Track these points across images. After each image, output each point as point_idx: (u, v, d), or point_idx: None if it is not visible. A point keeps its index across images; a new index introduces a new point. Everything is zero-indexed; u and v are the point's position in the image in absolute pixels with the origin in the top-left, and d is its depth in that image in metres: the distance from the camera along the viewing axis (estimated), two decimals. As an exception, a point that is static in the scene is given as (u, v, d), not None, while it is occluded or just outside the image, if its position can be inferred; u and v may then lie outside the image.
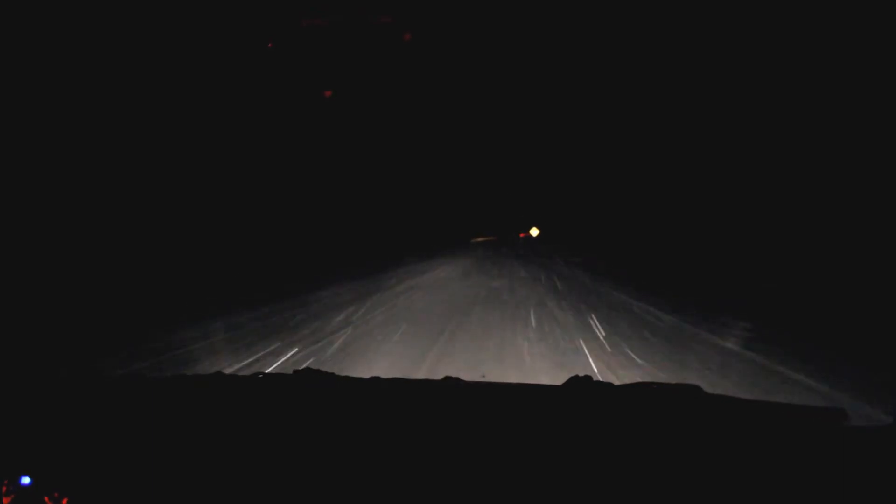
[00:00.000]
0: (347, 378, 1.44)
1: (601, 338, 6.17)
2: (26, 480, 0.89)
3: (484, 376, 4.37)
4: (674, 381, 1.31)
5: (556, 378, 1.60)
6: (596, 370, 4.80)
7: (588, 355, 5.37)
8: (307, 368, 1.52)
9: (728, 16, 12.21)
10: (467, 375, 1.50)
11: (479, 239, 35.14)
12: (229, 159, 17.07)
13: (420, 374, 4.58)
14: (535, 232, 34.36)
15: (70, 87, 11.88)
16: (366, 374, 1.47)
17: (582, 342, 5.93)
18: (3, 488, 0.87)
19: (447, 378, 1.42)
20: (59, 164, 11.71)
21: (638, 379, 1.83)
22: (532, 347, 5.75)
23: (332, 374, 1.47)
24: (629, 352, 5.44)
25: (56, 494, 0.86)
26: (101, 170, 12.65)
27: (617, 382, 1.38)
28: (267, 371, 4.73)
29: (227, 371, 2.00)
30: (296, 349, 5.67)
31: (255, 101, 17.48)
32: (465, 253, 23.28)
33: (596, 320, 7.20)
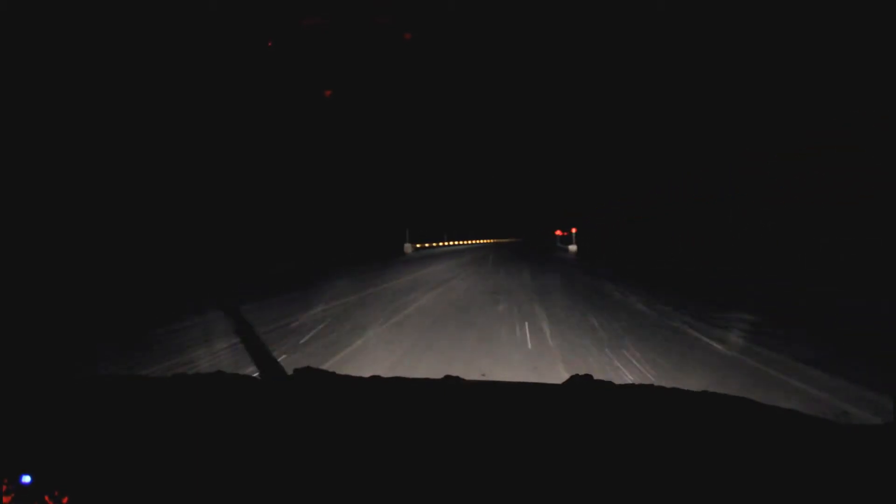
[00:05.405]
0: (347, 377, 1.44)
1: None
2: (27, 479, 0.89)
3: (484, 375, 4.37)
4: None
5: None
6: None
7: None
8: (307, 367, 1.52)
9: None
10: (467, 375, 1.50)
11: (418, 246, 21.45)
12: (229, 159, 17.07)
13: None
14: None
15: (70, 87, 11.88)
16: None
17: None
18: (4, 487, 0.87)
19: (447, 377, 1.42)
20: (61, 163, 11.72)
21: None
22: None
23: (332, 372, 1.47)
24: None
25: (56, 493, 0.86)
26: (102, 169, 12.66)
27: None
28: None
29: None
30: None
31: (255, 100, 17.49)
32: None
33: None
